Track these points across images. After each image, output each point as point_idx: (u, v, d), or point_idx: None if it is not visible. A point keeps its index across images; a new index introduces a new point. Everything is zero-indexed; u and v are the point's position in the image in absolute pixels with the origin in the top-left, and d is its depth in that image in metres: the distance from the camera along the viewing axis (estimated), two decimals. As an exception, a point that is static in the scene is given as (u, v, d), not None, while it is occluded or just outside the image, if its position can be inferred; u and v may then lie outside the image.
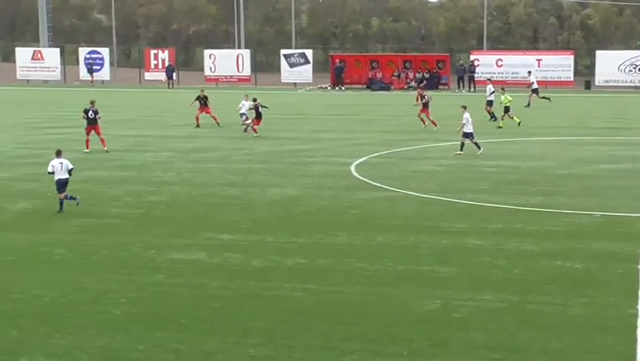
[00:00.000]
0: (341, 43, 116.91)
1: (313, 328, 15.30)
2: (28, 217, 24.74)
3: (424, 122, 46.17)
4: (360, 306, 16.54)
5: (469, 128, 36.41)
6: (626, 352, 14.23)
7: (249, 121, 44.03)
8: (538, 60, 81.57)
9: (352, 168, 33.25)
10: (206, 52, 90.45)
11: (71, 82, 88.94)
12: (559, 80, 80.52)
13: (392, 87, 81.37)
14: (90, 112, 37.36)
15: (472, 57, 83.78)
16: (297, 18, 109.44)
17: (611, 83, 79.97)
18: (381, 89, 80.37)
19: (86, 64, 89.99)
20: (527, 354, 14.14)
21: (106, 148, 37.23)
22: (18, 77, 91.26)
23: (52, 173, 25.02)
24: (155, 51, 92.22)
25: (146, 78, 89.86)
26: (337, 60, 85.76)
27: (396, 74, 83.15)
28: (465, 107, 36.98)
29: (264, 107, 44.00)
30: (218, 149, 38.81)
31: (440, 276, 18.50)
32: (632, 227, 23.22)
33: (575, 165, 34.24)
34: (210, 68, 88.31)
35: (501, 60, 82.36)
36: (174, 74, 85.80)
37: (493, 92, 50.80)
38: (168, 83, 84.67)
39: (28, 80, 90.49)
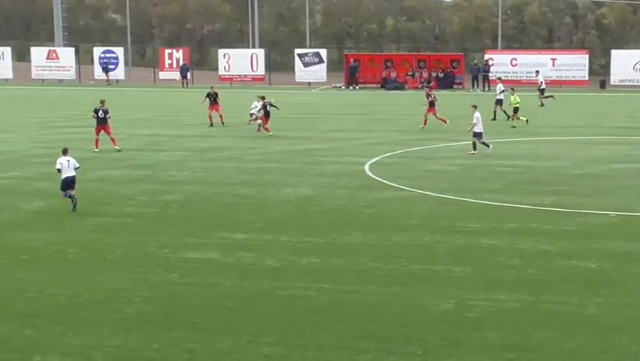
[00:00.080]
0: (355, 43, 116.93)
1: (327, 327, 15.28)
2: (42, 216, 24.79)
3: (426, 123, 46.01)
4: (375, 306, 16.51)
5: (479, 128, 36.33)
6: (641, 352, 14.20)
7: (259, 121, 43.93)
8: (553, 59, 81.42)
9: (366, 167, 33.22)
10: (221, 51, 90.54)
11: (86, 81, 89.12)
12: (573, 79, 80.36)
13: (406, 87, 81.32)
14: (100, 111, 37.37)
15: (486, 56, 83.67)
16: (311, 17, 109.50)
17: (626, 83, 79.78)
18: (396, 88, 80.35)
19: (101, 63, 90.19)
20: (542, 354, 14.09)
21: (117, 147, 37.26)
22: (33, 76, 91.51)
23: (60, 170, 25.13)
24: (170, 51, 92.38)
25: (161, 78, 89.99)
26: (351, 59, 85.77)
27: (410, 73, 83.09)
28: (475, 107, 36.89)
29: (274, 106, 43.92)
30: (233, 148, 38.82)
31: (455, 276, 18.46)
32: (647, 227, 23.15)
33: (589, 164, 34.13)
34: (224, 68, 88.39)
35: (515, 59, 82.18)
36: (189, 74, 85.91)
37: (503, 90, 50.61)
38: (182, 83, 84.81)
39: (43, 80, 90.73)
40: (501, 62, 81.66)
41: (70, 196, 25.08)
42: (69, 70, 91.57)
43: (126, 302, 16.71)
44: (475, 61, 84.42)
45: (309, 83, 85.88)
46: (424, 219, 24.09)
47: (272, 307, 16.38)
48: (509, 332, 14.99)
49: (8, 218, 24.52)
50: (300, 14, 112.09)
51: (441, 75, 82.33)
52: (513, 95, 47.73)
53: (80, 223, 23.66)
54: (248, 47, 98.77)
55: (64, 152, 25.53)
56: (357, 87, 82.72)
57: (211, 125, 47.41)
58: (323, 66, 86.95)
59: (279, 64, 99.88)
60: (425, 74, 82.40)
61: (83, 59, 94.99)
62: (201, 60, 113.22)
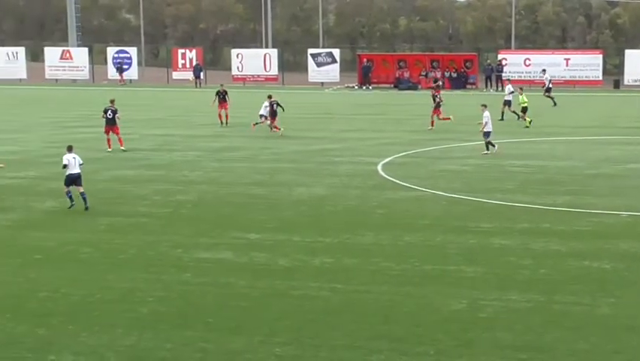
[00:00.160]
0: (368, 43, 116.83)
1: (340, 327, 15.31)
2: (55, 216, 24.89)
3: (432, 124, 45.77)
4: (387, 306, 16.53)
5: (488, 128, 36.30)
6: (653, 353, 14.18)
7: (267, 122, 43.89)
8: (567, 59, 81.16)
9: (379, 167, 33.23)
10: (234, 51, 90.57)
11: (99, 81, 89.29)
12: (587, 79, 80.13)
13: (419, 87, 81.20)
14: (109, 112, 37.41)
15: (499, 56, 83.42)
16: (324, 17, 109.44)
17: (641, 83, 79.53)
18: (409, 88, 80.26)
19: (115, 63, 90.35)
20: (554, 354, 14.10)
21: (123, 147, 37.33)
22: (47, 76, 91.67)
23: (67, 166, 25.28)
24: (183, 50, 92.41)
25: (174, 78, 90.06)
26: (365, 59, 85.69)
27: (423, 73, 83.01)
28: (485, 106, 36.84)
29: (280, 106, 43.91)
30: (246, 148, 38.87)
31: (467, 276, 18.47)
32: (660, 227, 23.11)
33: (602, 164, 34.06)
34: (238, 68, 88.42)
35: (529, 59, 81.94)
36: (202, 74, 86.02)
37: (513, 92, 50.40)
38: (196, 83, 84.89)
39: (56, 80, 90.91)
40: (514, 62, 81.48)
41: (70, 197, 25.21)
42: (83, 70, 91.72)
43: (139, 302, 16.77)
44: (489, 61, 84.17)
45: (322, 83, 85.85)
46: (437, 219, 24.10)
47: (284, 307, 16.42)
48: (521, 333, 15.00)
49: (22, 218, 24.63)
50: (313, 14, 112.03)
51: (454, 75, 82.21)
52: (522, 94, 47.66)
53: (93, 223, 23.74)
54: (261, 47, 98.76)
55: (69, 149, 25.80)
56: (370, 87, 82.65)
57: (222, 124, 47.51)
58: (336, 66, 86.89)
59: (292, 64, 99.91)
60: (438, 74, 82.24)
61: (97, 59, 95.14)
62: (214, 60, 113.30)
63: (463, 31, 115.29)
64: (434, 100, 46.10)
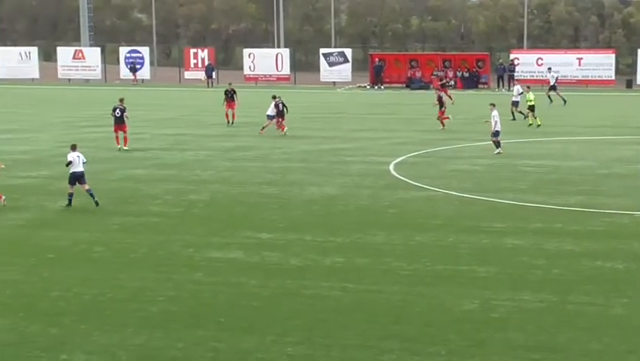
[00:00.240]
0: (380, 43, 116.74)
1: (351, 327, 15.29)
2: (68, 215, 24.92)
3: (443, 124, 45.65)
4: (399, 305, 16.50)
5: (497, 126, 36.22)
6: (667, 353, 14.12)
7: (274, 121, 43.79)
8: (579, 59, 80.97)
9: (391, 167, 33.19)
10: (246, 51, 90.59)
11: (112, 81, 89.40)
12: (600, 79, 79.91)
13: (431, 86, 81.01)
14: (117, 110, 37.46)
15: (512, 56, 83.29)
16: (336, 17, 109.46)
17: (653, 82, 79.29)
18: (421, 88, 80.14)
19: (128, 63, 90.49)
20: (567, 355, 14.04)
21: (126, 147, 37.39)
22: (59, 76, 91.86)
23: (70, 163, 25.41)
24: (195, 50, 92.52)
25: (186, 77, 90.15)
26: (376, 59, 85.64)
27: (435, 72, 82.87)
28: (494, 105, 36.74)
29: (284, 106, 43.82)
30: (257, 148, 38.86)
31: (479, 276, 18.42)
32: (673, 227, 23.02)
33: (615, 164, 33.96)
34: (250, 67, 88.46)
35: (541, 59, 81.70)
36: (214, 73, 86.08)
37: (522, 93, 50.20)
38: (208, 82, 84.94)
39: (69, 79, 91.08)
40: (527, 62, 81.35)
41: (69, 198, 25.35)
42: (95, 70, 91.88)
43: (150, 301, 16.77)
44: (501, 60, 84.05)
45: (334, 83, 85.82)
46: (449, 219, 24.05)
47: (296, 307, 16.41)
48: (534, 333, 14.95)
49: (35, 217, 24.67)
50: (325, 14, 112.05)
51: (466, 75, 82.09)
52: (528, 92, 47.52)
53: (104, 222, 23.77)
54: (273, 47, 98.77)
55: (73, 148, 25.89)
56: (382, 87, 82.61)
57: (228, 123, 47.55)
58: (348, 66, 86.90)
59: (304, 63, 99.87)
60: (450, 74, 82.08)
61: (109, 58, 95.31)
62: (226, 60, 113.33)
63: (475, 30, 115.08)
64: (440, 100, 45.98)
